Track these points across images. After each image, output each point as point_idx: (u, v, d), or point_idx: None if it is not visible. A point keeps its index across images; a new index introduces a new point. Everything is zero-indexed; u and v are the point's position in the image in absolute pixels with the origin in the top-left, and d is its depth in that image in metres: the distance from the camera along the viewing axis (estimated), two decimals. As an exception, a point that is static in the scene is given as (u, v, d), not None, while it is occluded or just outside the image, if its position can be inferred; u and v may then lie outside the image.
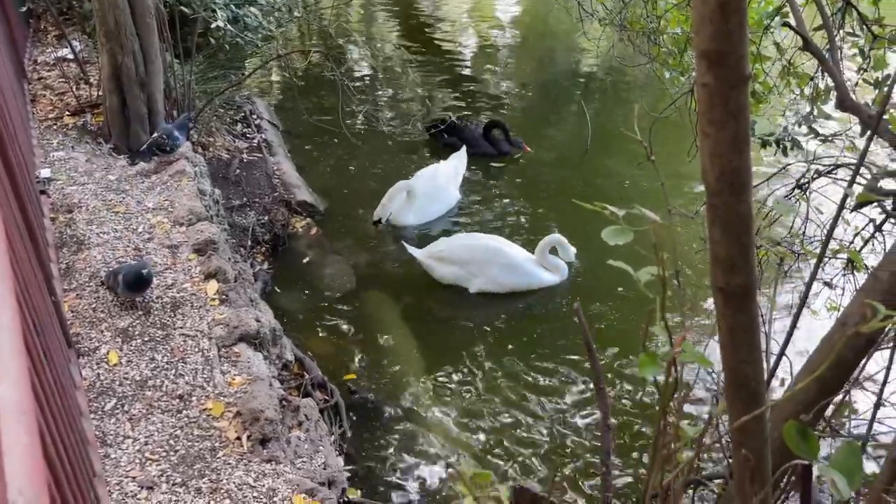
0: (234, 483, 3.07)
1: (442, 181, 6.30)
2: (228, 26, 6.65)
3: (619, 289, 5.26)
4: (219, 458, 3.19)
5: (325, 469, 3.42)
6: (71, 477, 2.00)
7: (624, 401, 4.50)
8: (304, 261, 5.75)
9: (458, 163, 6.57)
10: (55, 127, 5.91)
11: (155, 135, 5.44)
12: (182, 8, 6.33)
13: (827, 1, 3.82)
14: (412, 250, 5.44)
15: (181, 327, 3.88)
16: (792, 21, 3.41)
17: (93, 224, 4.66)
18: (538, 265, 5.39)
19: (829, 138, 3.88)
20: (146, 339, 3.78)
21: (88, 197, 4.95)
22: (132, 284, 3.85)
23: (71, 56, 6.77)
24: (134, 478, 3.05)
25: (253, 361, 3.78)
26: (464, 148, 6.75)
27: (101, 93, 5.92)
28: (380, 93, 8.65)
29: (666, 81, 6.14)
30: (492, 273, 5.32)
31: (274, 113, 7.82)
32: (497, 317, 5.24)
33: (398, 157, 7.21)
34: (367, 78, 9.05)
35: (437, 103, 8.44)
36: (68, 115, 6.08)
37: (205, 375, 3.60)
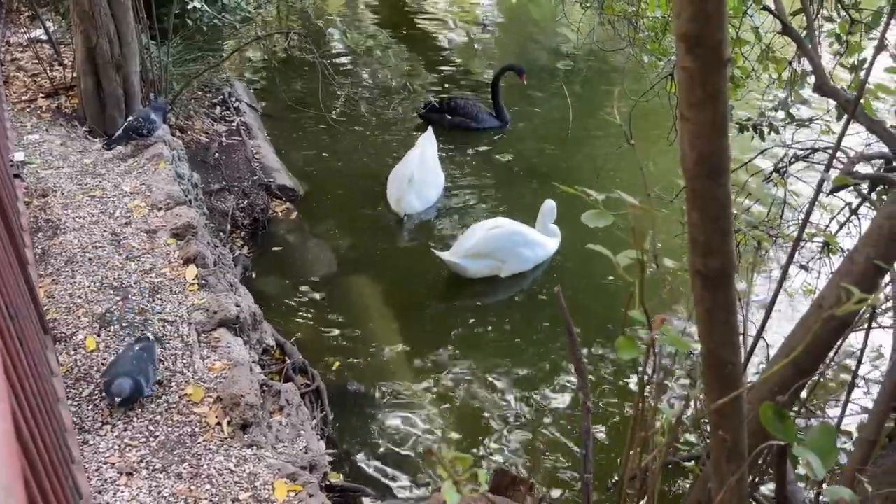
0: (214, 468, 3.06)
1: (431, 164, 6.26)
2: (206, 7, 6.56)
3: (610, 278, 5.27)
4: (199, 443, 3.17)
5: (306, 453, 3.42)
6: (48, 463, 1.98)
7: (605, 384, 4.54)
8: (285, 245, 5.72)
9: (432, 144, 6.47)
10: (29, 109, 5.80)
11: (131, 118, 5.35)
12: (158, -12, 6.22)
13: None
14: (441, 254, 5.26)
15: (160, 312, 3.84)
16: (771, 4, 3.42)
17: (68, 208, 4.59)
18: (544, 235, 5.51)
19: (806, 122, 3.91)
20: (124, 324, 3.74)
21: (63, 181, 4.87)
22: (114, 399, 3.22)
23: (44, 37, 6.63)
24: (113, 464, 3.02)
25: (233, 346, 3.76)
26: (430, 129, 6.65)
27: (75, 75, 5.81)
28: (360, 75, 8.58)
29: (645, 66, 6.15)
30: (519, 254, 5.37)
31: (253, 96, 7.73)
32: (480, 300, 5.26)
33: (378, 140, 7.17)
34: (347, 60, 8.96)
35: (417, 86, 8.38)
36: (42, 98, 5.96)
37: (184, 361, 3.58)
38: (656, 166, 6.66)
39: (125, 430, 3.19)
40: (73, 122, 5.73)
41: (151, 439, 3.16)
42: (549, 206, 5.53)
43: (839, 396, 4.03)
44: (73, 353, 3.54)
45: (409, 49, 9.45)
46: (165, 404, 3.33)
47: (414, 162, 6.09)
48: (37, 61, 6.34)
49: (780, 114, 3.89)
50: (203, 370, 3.54)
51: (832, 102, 3.39)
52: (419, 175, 5.99)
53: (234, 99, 7.20)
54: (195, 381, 3.47)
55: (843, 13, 3.77)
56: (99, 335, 3.65)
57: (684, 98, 1.17)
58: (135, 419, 3.24)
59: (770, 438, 1.34)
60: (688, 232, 1.28)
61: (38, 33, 6.80)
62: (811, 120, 3.91)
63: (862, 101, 3.00)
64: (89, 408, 3.27)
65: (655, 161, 6.65)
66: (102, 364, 3.49)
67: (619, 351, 1.33)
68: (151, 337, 3.51)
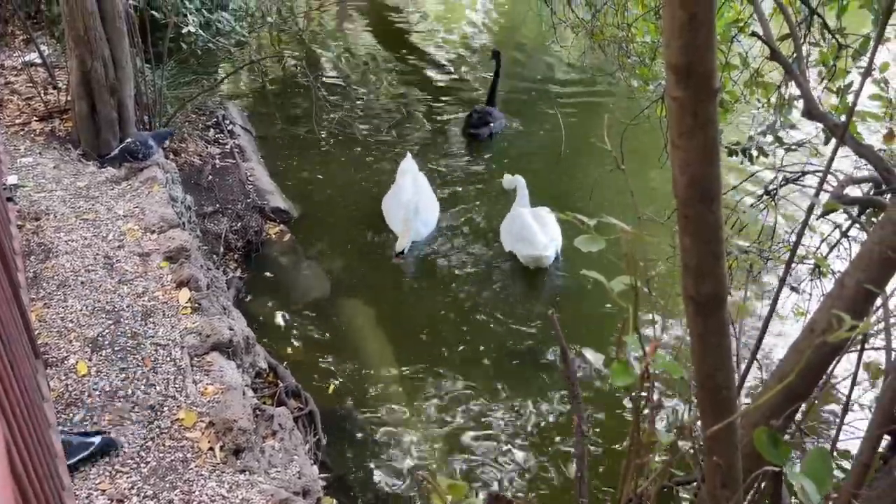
0: (206, 495, 3.03)
1: (425, 189, 6.21)
2: (200, 31, 6.59)
3: (608, 305, 5.25)
4: (191, 469, 3.15)
5: (299, 478, 3.39)
6: (38, 491, 1.96)
7: (600, 407, 4.52)
8: (278, 268, 5.71)
9: (416, 169, 6.43)
10: (22, 133, 5.80)
11: (128, 140, 5.36)
12: (153, 13, 6.27)
13: (793, 11, 3.89)
14: (542, 253, 5.52)
15: (152, 336, 3.82)
16: (759, 30, 3.46)
17: (61, 231, 4.58)
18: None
19: (794, 147, 3.96)
20: (116, 348, 3.72)
21: (56, 204, 4.87)
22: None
23: (39, 61, 6.66)
24: (104, 491, 2.99)
25: (226, 370, 3.74)
26: (409, 155, 6.64)
27: (69, 98, 5.82)
28: (353, 98, 8.64)
29: (635, 90, 6.21)
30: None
31: (247, 118, 7.76)
32: (475, 323, 5.25)
33: (372, 162, 7.20)
34: (341, 83, 9.02)
35: (411, 109, 8.44)
36: (36, 121, 5.97)
37: (177, 385, 3.56)
38: (650, 186, 6.70)
39: (116, 455, 3.15)
40: (67, 146, 5.74)
41: (143, 465, 3.13)
42: (523, 181, 5.98)
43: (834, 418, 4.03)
44: (64, 377, 3.52)
45: (402, 72, 9.53)
46: (157, 429, 3.31)
47: (410, 190, 6.02)
48: (31, 85, 6.35)
49: (769, 137, 3.93)
50: (195, 394, 3.52)
51: (819, 126, 3.43)
52: (418, 201, 5.93)
53: (227, 122, 7.23)
54: (187, 405, 3.44)
55: (829, 38, 3.83)
56: (90, 359, 3.63)
57: (675, 126, 1.19)
58: (126, 445, 3.21)
59: (765, 463, 1.34)
60: (680, 257, 1.29)
61: (33, 57, 6.83)
62: (799, 144, 3.95)
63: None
64: (80, 433, 3.24)
65: (649, 180, 6.69)
66: (94, 388, 3.47)
67: (613, 377, 1.34)
68: (98, 439, 3.07)
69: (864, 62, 3.40)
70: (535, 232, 5.62)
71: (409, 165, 6.41)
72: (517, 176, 6.05)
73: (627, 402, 4.48)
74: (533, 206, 6.00)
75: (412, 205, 5.86)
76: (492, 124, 7.67)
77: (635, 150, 6.52)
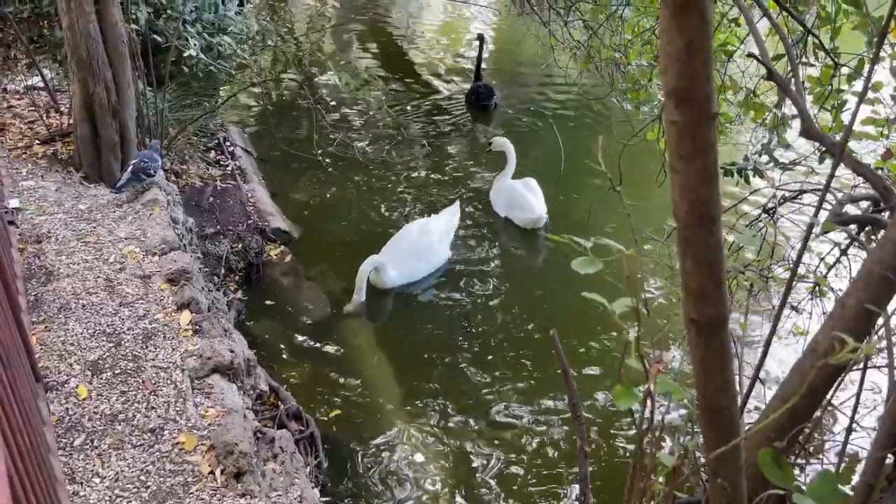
0: (207, 519, 3.01)
1: (434, 238, 5.92)
2: (201, 55, 6.65)
3: (612, 333, 5.21)
4: (192, 493, 3.12)
5: (300, 502, 3.36)
6: (39, 518, 1.95)
7: (603, 428, 4.50)
8: (279, 289, 5.71)
9: (451, 217, 6.29)
10: (24, 156, 5.83)
11: (135, 160, 5.38)
12: (155, 37, 6.33)
13: (787, 31, 3.93)
14: (540, 215, 6.47)
15: (153, 359, 3.81)
16: (752, 49, 3.49)
17: (62, 254, 4.58)
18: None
19: (789, 166, 3.98)
20: (117, 371, 3.71)
21: (58, 227, 4.88)
22: None
23: (41, 84, 6.71)
24: (104, 515, 2.97)
25: (227, 393, 3.73)
26: (457, 203, 6.56)
27: (72, 121, 5.86)
28: (353, 120, 8.69)
29: (629, 112, 6.26)
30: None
31: (248, 140, 7.81)
32: (476, 344, 5.24)
33: (372, 184, 7.23)
34: (341, 105, 9.09)
35: (410, 129, 8.49)
36: (38, 144, 6.00)
37: (177, 408, 3.54)
38: (648, 204, 6.71)
39: (116, 480, 3.14)
40: (69, 169, 5.77)
41: (143, 490, 3.11)
42: (510, 145, 6.86)
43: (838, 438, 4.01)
44: (64, 401, 3.50)
45: (401, 92, 9.60)
46: (158, 453, 3.29)
47: (410, 230, 5.86)
48: (33, 108, 6.40)
49: (764, 157, 3.95)
50: (196, 417, 3.51)
51: (813, 146, 3.45)
52: (409, 245, 5.72)
53: (228, 143, 7.27)
54: (188, 428, 3.43)
55: (823, 58, 3.85)
56: (91, 383, 3.62)
57: (673, 150, 1.20)
58: (126, 469, 3.19)
59: (769, 485, 1.34)
60: (681, 280, 1.30)
61: (36, 81, 6.88)
62: (795, 163, 3.97)
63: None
64: (80, 457, 3.22)
65: (647, 199, 6.70)
66: (94, 412, 3.45)
67: (616, 400, 1.34)
68: None
69: (858, 83, 3.43)
70: (530, 200, 6.56)
71: (446, 212, 6.35)
72: (505, 140, 6.91)
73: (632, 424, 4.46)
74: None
75: (371, 264, 5.48)
76: (495, 95, 8.96)
77: (633, 167, 6.54)
